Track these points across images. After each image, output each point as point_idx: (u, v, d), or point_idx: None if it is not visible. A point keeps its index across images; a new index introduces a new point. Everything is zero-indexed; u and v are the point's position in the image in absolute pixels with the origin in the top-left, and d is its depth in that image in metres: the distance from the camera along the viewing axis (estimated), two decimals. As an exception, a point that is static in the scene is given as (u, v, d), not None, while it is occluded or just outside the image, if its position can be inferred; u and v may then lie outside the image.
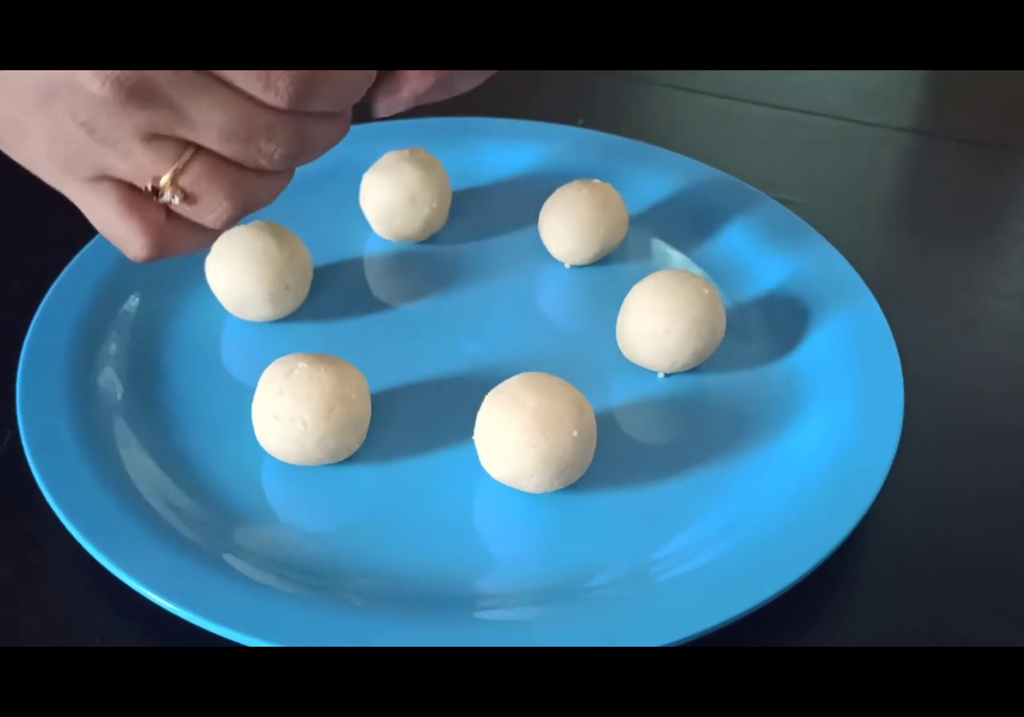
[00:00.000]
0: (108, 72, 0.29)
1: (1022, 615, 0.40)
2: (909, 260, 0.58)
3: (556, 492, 0.42)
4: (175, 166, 0.31)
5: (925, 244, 0.59)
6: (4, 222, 0.54)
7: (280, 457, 0.42)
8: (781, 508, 0.42)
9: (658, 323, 0.46)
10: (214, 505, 0.41)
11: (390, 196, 0.53)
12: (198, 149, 0.32)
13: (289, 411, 0.41)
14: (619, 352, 0.49)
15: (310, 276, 0.50)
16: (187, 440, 0.44)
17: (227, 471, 0.43)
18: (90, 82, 0.29)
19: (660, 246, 0.56)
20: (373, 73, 0.33)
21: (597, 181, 0.53)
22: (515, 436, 0.40)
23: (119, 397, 0.45)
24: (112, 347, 0.47)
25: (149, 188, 0.32)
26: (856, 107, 0.69)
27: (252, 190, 0.33)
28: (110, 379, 0.45)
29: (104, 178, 0.33)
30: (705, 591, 0.38)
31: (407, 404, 0.46)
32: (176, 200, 0.32)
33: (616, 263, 0.54)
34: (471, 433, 0.42)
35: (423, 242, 0.55)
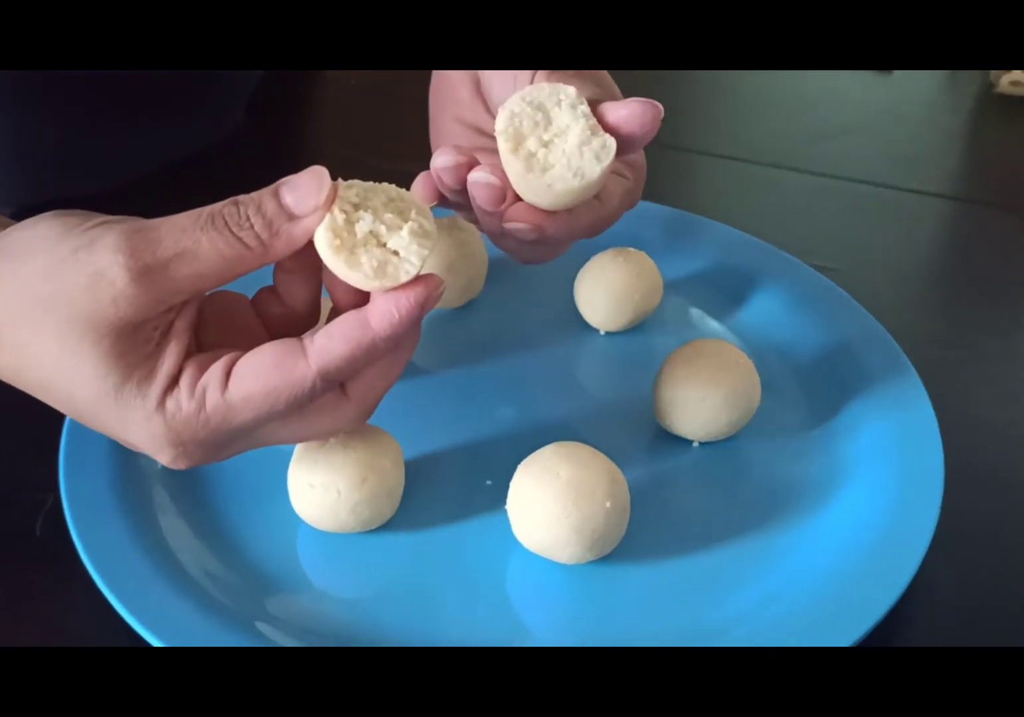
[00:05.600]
0: (169, 455, 0.36)
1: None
2: (948, 328, 0.57)
3: (590, 563, 0.42)
4: None
5: (964, 312, 0.59)
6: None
7: (315, 524, 0.43)
8: (816, 586, 0.41)
9: (693, 393, 0.46)
10: (249, 571, 0.42)
11: (428, 264, 0.53)
12: None
13: (323, 480, 0.41)
14: (653, 419, 0.49)
15: (348, 342, 0.51)
16: (224, 507, 0.44)
17: (262, 537, 0.43)
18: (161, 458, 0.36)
19: (696, 313, 0.56)
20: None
21: (632, 249, 0.54)
22: (548, 506, 0.40)
23: (158, 464, 0.45)
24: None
25: None
26: (893, 173, 0.69)
27: None
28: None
29: None
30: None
31: (441, 471, 0.47)
32: None
33: (651, 329, 0.55)
34: (504, 502, 0.42)
35: (460, 308, 0.56)
